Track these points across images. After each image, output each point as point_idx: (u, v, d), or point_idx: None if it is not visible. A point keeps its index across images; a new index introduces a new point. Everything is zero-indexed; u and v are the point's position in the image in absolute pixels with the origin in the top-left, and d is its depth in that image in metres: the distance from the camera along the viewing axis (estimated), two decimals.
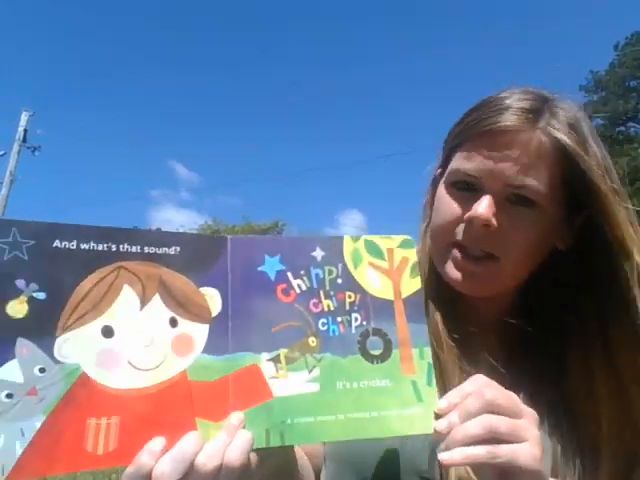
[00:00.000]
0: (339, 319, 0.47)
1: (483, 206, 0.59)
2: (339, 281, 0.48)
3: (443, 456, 0.42)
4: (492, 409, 0.44)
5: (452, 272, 0.64)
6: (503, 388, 0.47)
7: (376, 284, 0.48)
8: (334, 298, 0.47)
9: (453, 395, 0.45)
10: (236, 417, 0.43)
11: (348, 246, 0.49)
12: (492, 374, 0.63)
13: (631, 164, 21.97)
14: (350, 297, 0.48)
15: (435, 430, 0.44)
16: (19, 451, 0.37)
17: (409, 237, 0.51)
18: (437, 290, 0.67)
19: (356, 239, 0.50)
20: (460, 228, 0.62)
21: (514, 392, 0.61)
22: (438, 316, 0.65)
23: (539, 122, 0.60)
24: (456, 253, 0.63)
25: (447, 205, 0.64)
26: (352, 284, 0.48)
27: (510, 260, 0.61)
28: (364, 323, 0.47)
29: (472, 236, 0.61)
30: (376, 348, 0.47)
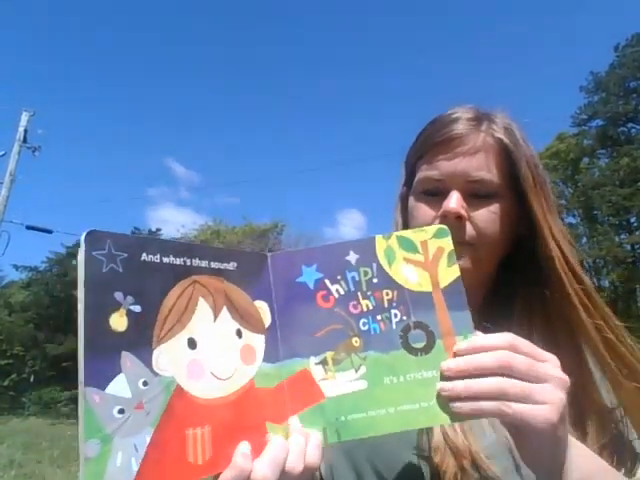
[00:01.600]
0: (379, 317, 0.48)
1: (453, 201, 0.68)
2: (375, 280, 0.49)
3: (457, 406, 0.44)
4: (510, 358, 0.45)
5: None
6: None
7: (413, 278, 0.49)
8: (372, 297, 0.49)
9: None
10: (296, 420, 0.46)
11: (380, 245, 0.50)
12: None
13: (631, 165, 22.06)
14: (388, 294, 0.49)
15: (442, 370, 0.46)
16: (135, 467, 0.37)
17: (444, 226, 0.51)
18: None
19: (388, 237, 0.51)
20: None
21: None
22: None
23: (482, 127, 0.73)
24: None
25: (422, 210, 0.73)
26: (388, 281, 0.49)
27: (485, 246, 0.70)
28: (404, 318, 0.48)
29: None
30: (419, 341, 0.47)
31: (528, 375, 0.44)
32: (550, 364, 0.47)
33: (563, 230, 0.72)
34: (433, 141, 0.74)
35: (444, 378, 0.45)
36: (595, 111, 24.38)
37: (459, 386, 0.44)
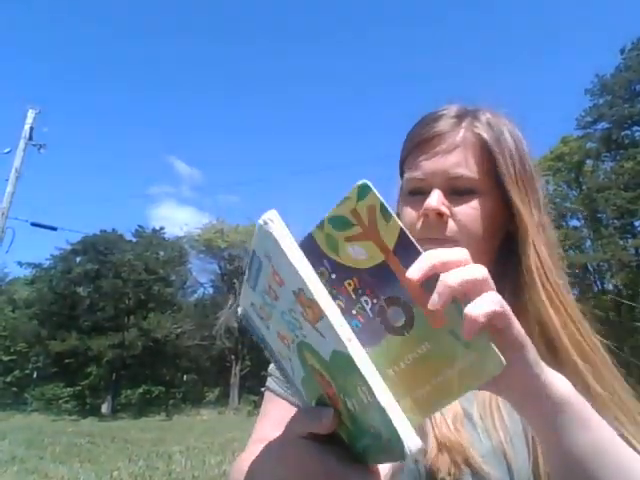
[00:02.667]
0: (354, 311, 0.43)
1: (433, 199, 0.68)
2: (333, 276, 0.44)
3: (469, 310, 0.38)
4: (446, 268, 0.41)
5: None
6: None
7: (362, 255, 0.43)
8: (339, 295, 0.44)
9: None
10: None
11: (320, 238, 0.44)
12: None
13: (636, 168, 21.94)
14: (350, 285, 0.44)
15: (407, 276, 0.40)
16: None
17: (363, 182, 0.42)
18: None
19: (321, 226, 0.44)
20: (419, 224, 0.70)
21: None
22: None
23: (463, 123, 0.73)
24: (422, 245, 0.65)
25: (407, 211, 0.73)
26: (344, 271, 0.44)
27: (468, 242, 0.67)
28: (374, 301, 0.43)
29: (429, 227, 0.69)
30: (399, 318, 0.42)
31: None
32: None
33: (545, 226, 0.72)
34: (415, 141, 0.74)
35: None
36: (600, 114, 24.26)
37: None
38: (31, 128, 15.72)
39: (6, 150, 15.56)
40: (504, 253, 0.73)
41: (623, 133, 23.90)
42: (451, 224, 0.69)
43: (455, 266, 0.40)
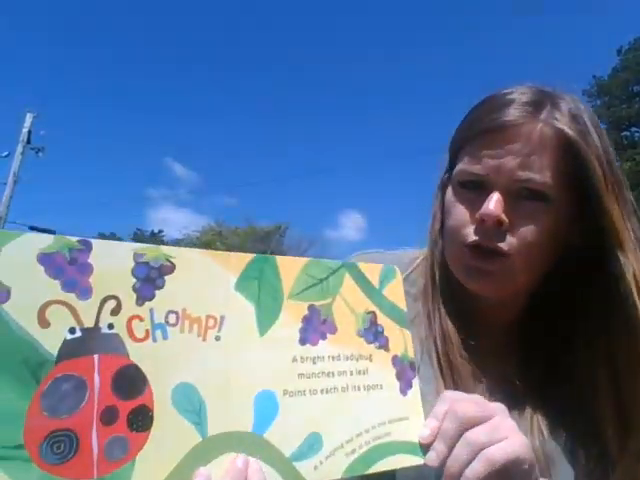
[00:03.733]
0: None
1: (493, 203, 0.59)
2: None
3: None
4: (468, 424, 0.45)
5: (464, 271, 0.64)
6: (469, 395, 0.48)
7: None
8: None
9: (432, 422, 0.47)
10: None
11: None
12: (501, 380, 0.64)
13: (634, 169, 21.98)
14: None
15: (426, 464, 0.45)
16: None
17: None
18: (449, 293, 0.68)
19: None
20: (472, 228, 0.61)
21: (521, 399, 0.62)
22: (448, 322, 0.65)
23: (541, 114, 0.60)
24: (469, 253, 0.62)
25: (458, 207, 0.64)
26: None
27: (522, 256, 0.60)
28: None
29: (485, 234, 0.60)
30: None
31: (480, 419, 0.46)
32: (481, 401, 0.48)
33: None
34: (479, 128, 0.62)
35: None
36: (598, 115, 24.05)
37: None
38: (29, 132, 15.70)
39: (4, 154, 15.55)
40: (571, 267, 0.64)
41: (621, 134, 23.93)
42: (509, 238, 0.59)
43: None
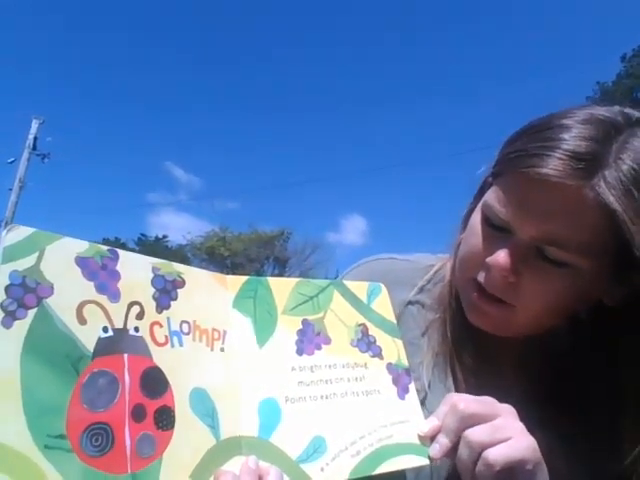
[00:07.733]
0: None
1: (504, 256, 0.54)
2: None
3: None
4: (469, 420, 0.46)
5: (466, 302, 0.63)
6: (476, 397, 0.49)
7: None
8: None
9: (432, 420, 0.48)
10: None
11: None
12: (520, 393, 0.58)
13: None
14: None
15: (430, 457, 0.47)
16: None
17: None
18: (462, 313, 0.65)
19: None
20: (481, 269, 0.58)
21: (537, 413, 0.59)
22: (463, 331, 0.64)
23: (591, 178, 0.50)
24: (473, 289, 0.60)
25: (475, 241, 0.59)
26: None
27: (527, 311, 0.57)
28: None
29: (489, 282, 0.57)
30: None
31: (484, 418, 0.47)
32: (489, 401, 0.49)
33: None
34: (514, 167, 0.55)
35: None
36: None
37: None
38: (35, 138, 15.82)
39: (10, 160, 15.66)
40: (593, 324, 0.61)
41: None
42: (511, 289, 0.56)
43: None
